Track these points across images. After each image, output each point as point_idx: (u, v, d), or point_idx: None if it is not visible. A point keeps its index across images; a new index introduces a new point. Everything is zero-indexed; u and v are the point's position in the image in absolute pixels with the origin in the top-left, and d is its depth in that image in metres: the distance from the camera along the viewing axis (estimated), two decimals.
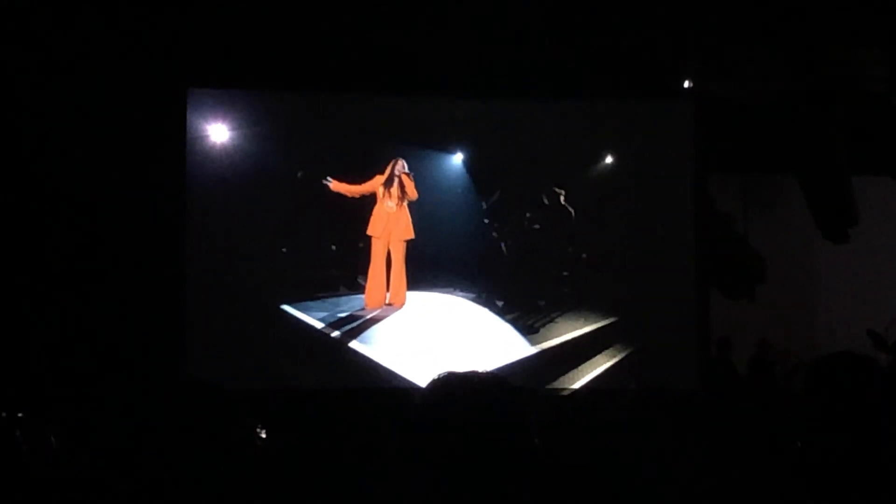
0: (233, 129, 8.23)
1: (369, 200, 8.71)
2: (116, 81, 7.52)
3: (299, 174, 8.49)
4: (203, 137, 8.11)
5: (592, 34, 7.84)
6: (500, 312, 9.05)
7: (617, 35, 7.87)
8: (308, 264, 8.67)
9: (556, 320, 9.04)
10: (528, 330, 8.81)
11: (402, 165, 8.71)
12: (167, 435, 1.63)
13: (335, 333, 8.45)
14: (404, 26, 7.69)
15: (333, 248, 8.75)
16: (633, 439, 2.25)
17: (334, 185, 8.57)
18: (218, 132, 8.19)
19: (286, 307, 8.55)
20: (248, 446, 1.73)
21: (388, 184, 8.75)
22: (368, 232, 8.76)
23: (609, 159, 8.52)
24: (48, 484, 2.38)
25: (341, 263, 8.83)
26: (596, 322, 8.99)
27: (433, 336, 8.41)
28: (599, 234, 8.81)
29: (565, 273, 9.13)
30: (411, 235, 8.80)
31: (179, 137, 7.91)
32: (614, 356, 8.54)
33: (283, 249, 8.56)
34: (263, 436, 4.51)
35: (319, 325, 8.51)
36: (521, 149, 8.51)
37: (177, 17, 7.46)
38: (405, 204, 8.77)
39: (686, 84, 8.40)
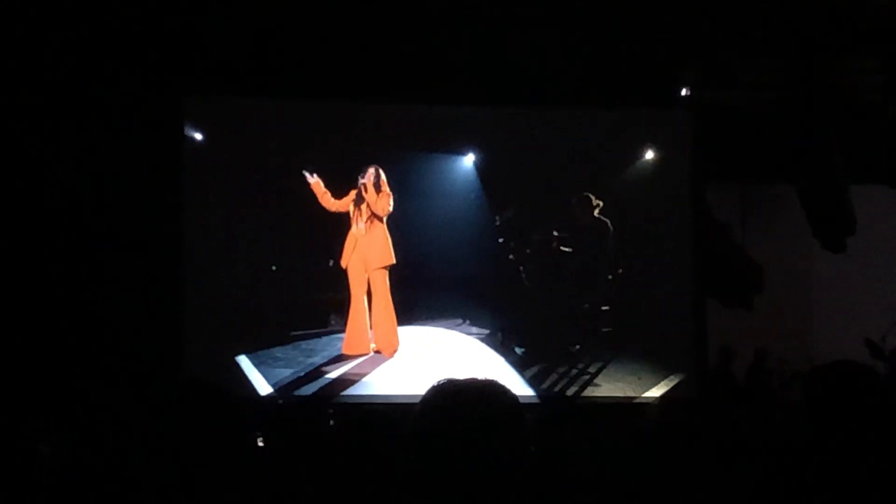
0: (231, 136, 7.81)
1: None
2: (111, 89, 7.49)
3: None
4: (198, 145, 7.78)
5: (589, 41, 7.83)
6: (520, 365, 7.21)
7: (614, 43, 7.87)
8: (301, 285, 7.52)
9: (597, 381, 7.19)
10: (558, 401, 7.09)
11: (370, 174, 7.46)
12: (168, 435, 1.63)
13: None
14: (402, 32, 7.65)
15: (331, 262, 7.59)
16: (630, 447, 2.25)
17: (315, 184, 7.47)
18: (214, 140, 7.77)
19: (242, 359, 7.11)
20: (248, 452, 1.73)
21: (358, 200, 7.50)
22: (341, 263, 7.47)
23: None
24: (46, 486, 2.38)
25: (337, 283, 7.47)
26: (654, 383, 7.31)
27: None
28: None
29: (605, 307, 7.50)
30: (391, 261, 7.38)
31: (174, 145, 7.78)
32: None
33: (273, 267, 7.51)
34: (261, 443, 4.50)
35: (267, 390, 6.99)
36: (517, 157, 8.13)
37: (171, 25, 7.44)
38: (382, 222, 7.49)
39: (683, 92, 8.40)
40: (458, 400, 1.70)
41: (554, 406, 7.57)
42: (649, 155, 8.32)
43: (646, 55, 8.04)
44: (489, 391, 1.72)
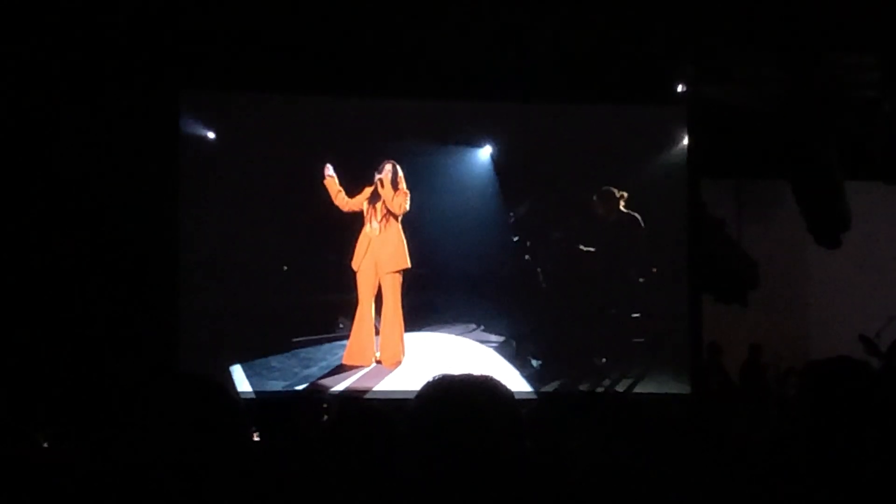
0: (229, 133, 7.66)
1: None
2: (108, 82, 7.46)
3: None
4: (196, 142, 7.65)
5: (584, 38, 7.81)
6: (536, 379, 6.51)
7: (610, 39, 7.85)
8: (303, 288, 7.06)
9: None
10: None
11: (388, 170, 7.06)
12: (163, 430, 1.63)
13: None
14: (403, 26, 7.58)
15: (337, 263, 7.18)
16: (625, 442, 2.26)
17: (328, 180, 7.11)
18: (213, 136, 7.60)
19: (236, 368, 6.62)
20: (244, 447, 1.73)
21: (373, 198, 7.07)
22: (352, 265, 6.99)
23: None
24: (43, 479, 2.38)
25: (341, 286, 6.92)
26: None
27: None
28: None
29: (635, 314, 6.88)
30: (405, 265, 6.88)
31: (172, 139, 7.70)
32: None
33: (285, 267, 7.07)
34: (256, 438, 4.49)
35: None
36: (521, 152, 8.02)
37: (171, 18, 7.39)
38: (397, 221, 7.04)
39: (679, 88, 8.40)
40: (454, 395, 1.70)
41: (551, 402, 7.54)
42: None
43: (642, 51, 8.03)
44: (484, 386, 1.72)
